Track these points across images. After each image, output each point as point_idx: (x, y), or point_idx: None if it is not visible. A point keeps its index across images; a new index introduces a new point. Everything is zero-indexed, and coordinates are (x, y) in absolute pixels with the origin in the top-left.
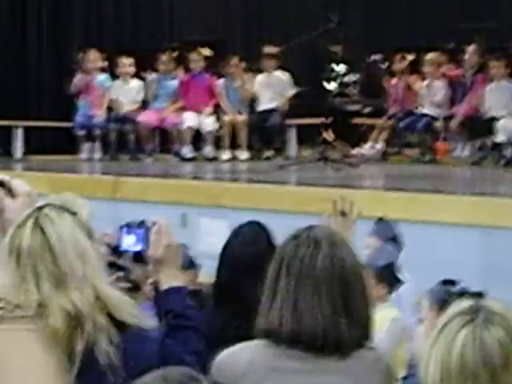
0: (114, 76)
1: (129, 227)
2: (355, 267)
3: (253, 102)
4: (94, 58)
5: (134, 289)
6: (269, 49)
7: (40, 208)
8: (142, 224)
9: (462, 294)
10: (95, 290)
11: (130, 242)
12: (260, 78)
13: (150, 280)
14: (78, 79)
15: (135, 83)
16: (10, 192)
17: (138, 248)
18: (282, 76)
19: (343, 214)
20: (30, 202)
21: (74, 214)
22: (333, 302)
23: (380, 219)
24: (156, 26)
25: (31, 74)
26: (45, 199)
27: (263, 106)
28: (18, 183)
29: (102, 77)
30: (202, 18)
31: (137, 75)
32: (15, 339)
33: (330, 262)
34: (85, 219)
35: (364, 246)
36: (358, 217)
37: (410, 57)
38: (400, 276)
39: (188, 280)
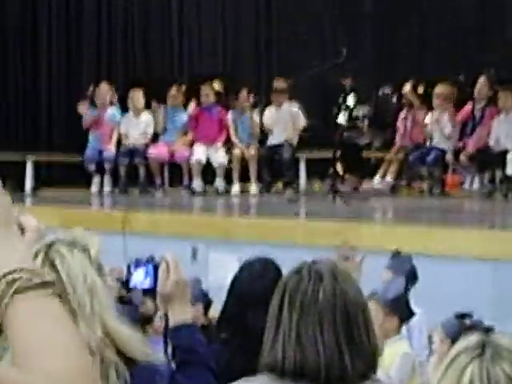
0: (126, 109)
1: (137, 263)
2: (358, 300)
3: (263, 134)
4: (104, 91)
5: (145, 322)
6: (279, 83)
7: (50, 243)
8: (150, 260)
9: (473, 327)
10: (104, 326)
11: (138, 278)
12: (270, 111)
13: (160, 314)
14: (90, 114)
15: (145, 116)
16: (19, 227)
17: (147, 284)
18: (292, 108)
19: (346, 258)
20: (38, 237)
21: (83, 249)
22: (336, 335)
23: (395, 253)
24: (166, 60)
25: (42, 107)
26: (54, 234)
27: (274, 139)
28: (26, 218)
29: (112, 111)
30: (211, 51)
31: (147, 108)
32: (42, 306)
33: (332, 295)
34: (95, 254)
35: (380, 279)
36: (360, 263)
37: (421, 89)
38: (412, 309)
39: (197, 314)
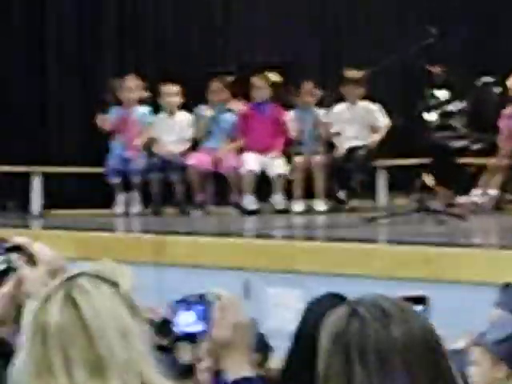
0: (157, 109)
1: (186, 302)
2: (433, 331)
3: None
4: (132, 86)
5: (184, 375)
6: (352, 73)
7: (71, 278)
8: (201, 298)
9: None
10: (141, 379)
11: (186, 321)
12: (341, 109)
13: (206, 365)
14: (114, 113)
15: (182, 117)
16: (30, 259)
17: (198, 328)
18: (370, 106)
19: None
20: (55, 270)
21: (113, 284)
22: (429, 379)
23: (506, 285)
24: (208, 47)
25: (51, 106)
26: (75, 267)
27: (346, 144)
28: (40, 247)
29: (143, 110)
30: (266, 35)
31: (185, 107)
32: None
33: (410, 333)
34: (127, 291)
35: (486, 319)
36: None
37: None
38: None
39: (256, 365)
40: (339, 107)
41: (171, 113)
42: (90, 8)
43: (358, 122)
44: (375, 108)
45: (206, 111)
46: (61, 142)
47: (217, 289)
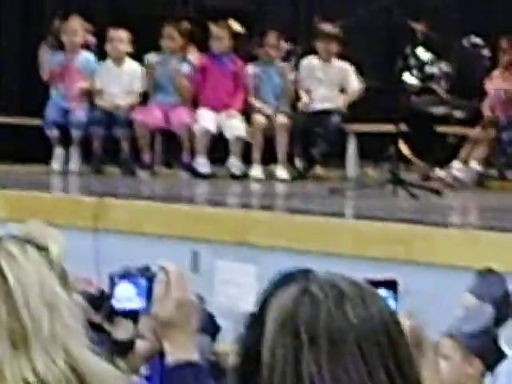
0: (103, 56)
1: (126, 274)
2: (395, 318)
3: (298, 97)
4: (76, 28)
5: (121, 353)
6: (327, 27)
7: None
8: (143, 270)
9: None
10: (68, 355)
11: (126, 295)
12: (312, 65)
13: (146, 344)
14: (55, 59)
15: (131, 67)
16: None
17: (139, 304)
18: (345, 67)
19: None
20: None
21: (42, 249)
22: (388, 372)
23: (483, 271)
24: None
25: None
26: (2, 228)
27: (314, 105)
28: None
29: (87, 56)
30: None
31: (135, 56)
32: None
33: (366, 314)
34: (58, 258)
35: (459, 307)
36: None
37: None
38: (502, 349)
39: (202, 348)
40: (310, 61)
41: (118, 61)
42: None
43: (330, 82)
44: (349, 68)
45: (157, 60)
46: None
47: (161, 260)
